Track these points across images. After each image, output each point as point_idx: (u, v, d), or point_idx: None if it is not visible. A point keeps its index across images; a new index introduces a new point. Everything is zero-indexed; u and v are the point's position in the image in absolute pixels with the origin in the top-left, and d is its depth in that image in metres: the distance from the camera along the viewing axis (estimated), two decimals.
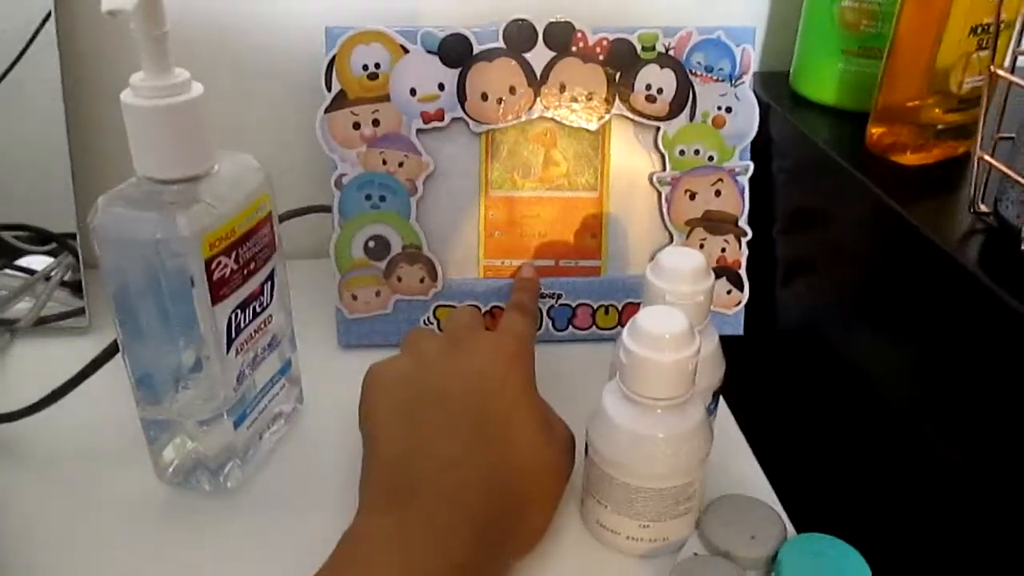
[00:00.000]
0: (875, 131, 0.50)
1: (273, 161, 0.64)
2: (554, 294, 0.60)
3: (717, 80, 0.58)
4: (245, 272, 0.44)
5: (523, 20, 0.56)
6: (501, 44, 0.56)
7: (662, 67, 0.57)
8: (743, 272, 0.60)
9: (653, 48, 0.57)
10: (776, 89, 0.61)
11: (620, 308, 0.60)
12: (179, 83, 0.39)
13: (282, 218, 0.57)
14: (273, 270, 0.46)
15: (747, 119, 0.58)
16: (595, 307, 0.60)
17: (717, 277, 0.59)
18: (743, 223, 0.59)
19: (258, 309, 0.46)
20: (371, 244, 0.58)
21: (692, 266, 0.44)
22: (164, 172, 0.40)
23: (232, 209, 0.42)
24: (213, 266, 0.41)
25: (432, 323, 0.59)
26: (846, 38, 0.54)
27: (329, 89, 0.56)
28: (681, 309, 0.41)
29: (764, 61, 0.67)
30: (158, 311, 0.42)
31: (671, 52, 0.57)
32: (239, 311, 0.44)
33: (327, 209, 0.58)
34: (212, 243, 0.41)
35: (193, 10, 0.61)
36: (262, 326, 0.46)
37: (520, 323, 0.50)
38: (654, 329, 0.39)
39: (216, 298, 0.42)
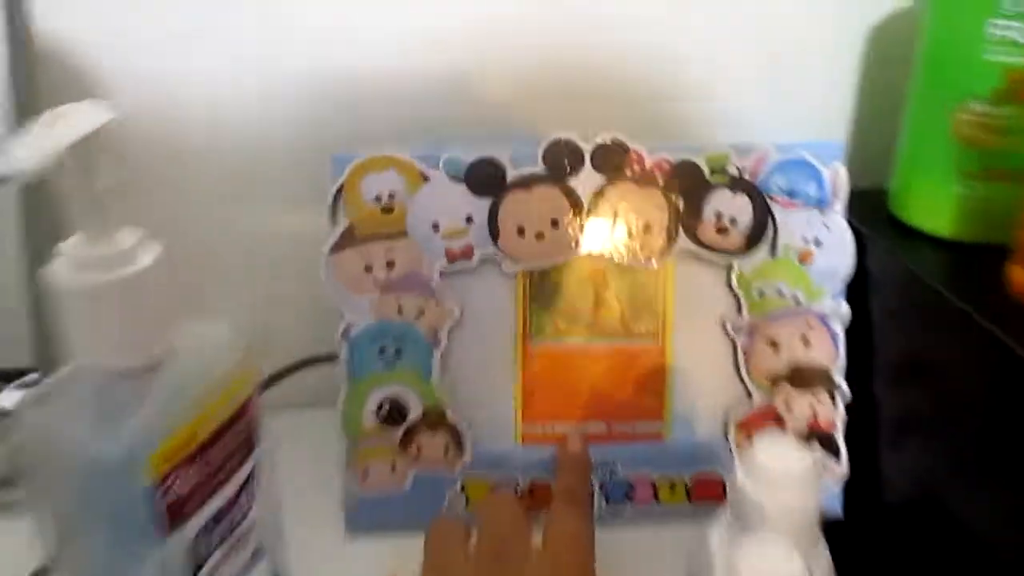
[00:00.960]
0: (1019, 275, 0.39)
1: (267, 305, 0.56)
2: (607, 467, 0.49)
3: (802, 207, 0.48)
4: (214, 482, 0.34)
5: (566, 139, 0.46)
6: (540, 169, 0.46)
7: (735, 192, 0.47)
8: (839, 437, 0.49)
9: (724, 170, 0.47)
10: (871, 214, 0.50)
11: (688, 482, 0.49)
12: (122, 252, 0.30)
13: (273, 378, 0.48)
14: (255, 468, 0.36)
15: (840, 253, 0.48)
16: (657, 480, 0.49)
17: (808, 442, 0.48)
18: (838, 377, 0.49)
19: (234, 523, 0.35)
20: (385, 408, 0.48)
21: (801, 468, 0.33)
22: (103, 360, 0.31)
23: (192, 407, 0.32)
24: (166, 484, 0.31)
25: (460, 500, 0.49)
26: (965, 157, 0.44)
27: (335, 224, 0.47)
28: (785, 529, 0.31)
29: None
30: (98, 545, 0.32)
31: (746, 175, 0.47)
32: (206, 533, 0.34)
33: (331, 359, 0.48)
34: (165, 456, 0.31)
35: (168, 122, 0.53)
36: (239, 542, 0.36)
37: (573, 524, 0.40)
38: None
39: (172, 525, 0.32)
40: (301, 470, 0.45)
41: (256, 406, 0.36)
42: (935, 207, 0.46)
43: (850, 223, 0.48)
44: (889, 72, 0.53)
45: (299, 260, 0.48)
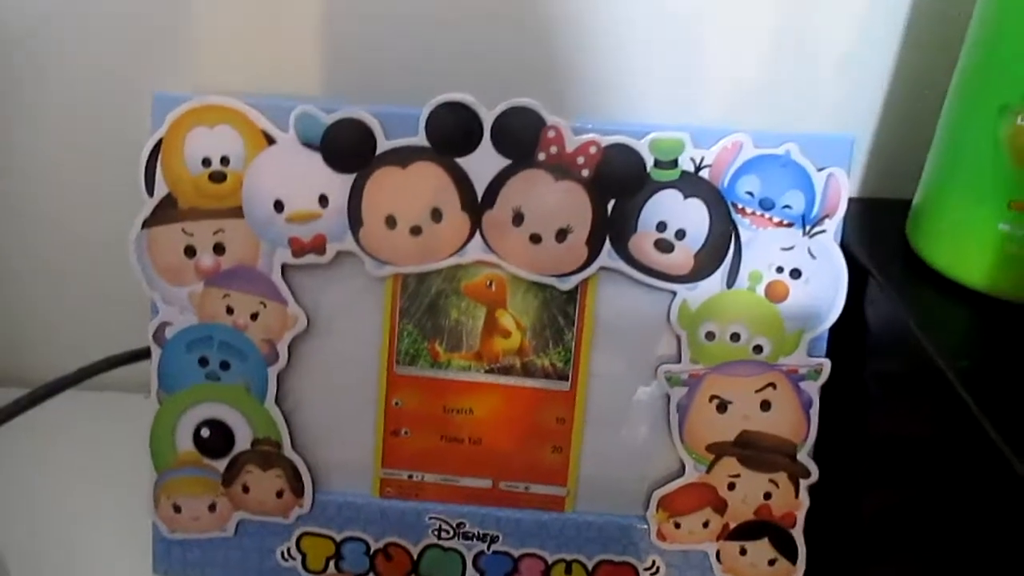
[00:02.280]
0: None
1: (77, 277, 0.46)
2: (487, 535, 0.38)
3: (780, 224, 0.34)
4: None
5: (459, 102, 0.34)
6: (422, 140, 0.34)
7: (687, 196, 0.34)
8: (798, 534, 0.37)
9: (675, 163, 0.34)
10: (880, 241, 0.37)
11: (590, 568, 0.38)
12: None
13: (80, 375, 0.37)
14: None
15: (827, 290, 0.35)
16: (551, 561, 0.38)
17: (756, 537, 0.36)
18: (805, 456, 0.36)
19: None
20: (205, 433, 0.37)
21: None
22: None
23: None
24: None
25: (294, 558, 0.38)
26: (1020, 182, 0.30)
27: (151, 192, 0.35)
28: None
29: (866, 184, 0.43)
30: None
31: (704, 171, 0.34)
32: None
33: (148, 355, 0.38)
34: None
35: None
36: None
37: None
38: None
39: None
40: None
41: None
42: (967, 246, 0.32)
43: (847, 251, 0.35)
44: (934, 51, 0.39)
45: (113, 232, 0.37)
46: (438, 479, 0.38)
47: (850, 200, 0.35)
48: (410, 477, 0.38)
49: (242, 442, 0.37)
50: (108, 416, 0.42)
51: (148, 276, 0.36)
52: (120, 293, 0.38)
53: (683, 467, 0.36)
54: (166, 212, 0.35)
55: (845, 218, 0.35)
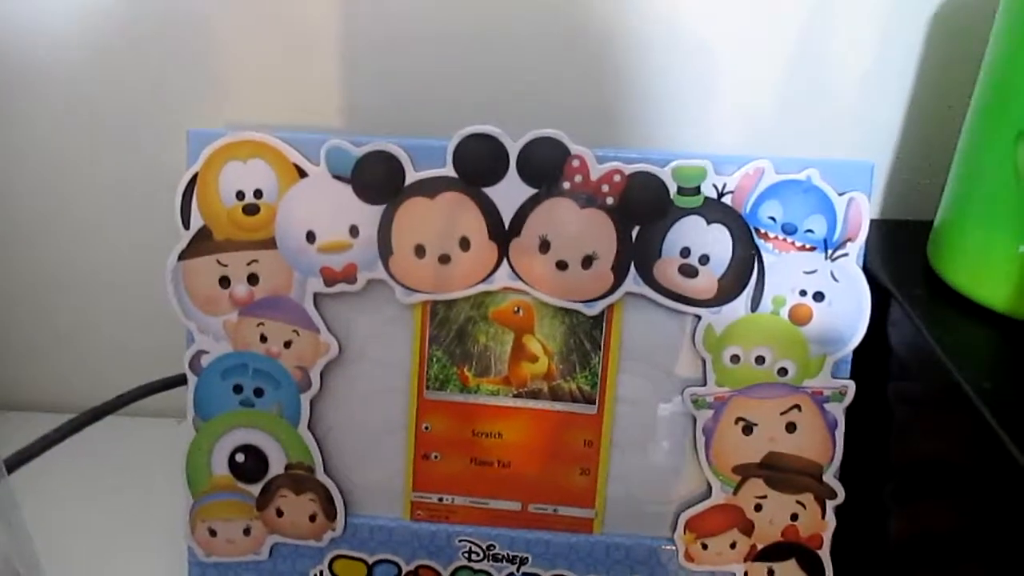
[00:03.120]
0: None
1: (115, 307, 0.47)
2: (516, 557, 0.38)
3: (802, 248, 0.35)
4: None
5: (486, 134, 0.35)
6: (450, 171, 0.35)
7: (710, 222, 0.35)
8: (826, 555, 0.37)
9: (697, 191, 0.35)
10: (902, 262, 0.37)
11: None
12: None
13: (118, 402, 0.38)
14: None
15: (850, 313, 0.35)
16: None
17: (783, 558, 0.36)
18: (831, 477, 0.36)
19: None
20: (240, 458, 0.38)
21: None
22: None
23: None
24: None
25: None
26: None
27: (187, 225, 0.36)
28: None
29: (887, 205, 0.43)
30: None
31: (726, 198, 0.35)
32: None
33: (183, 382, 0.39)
34: None
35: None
36: None
37: None
38: None
39: None
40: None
41: None
42: (987, 268, 0.33)
43: (870, 273, 0.35)
44: (955, 72, 0.39)
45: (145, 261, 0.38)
46: (468, 502, 0.38)
47: (872, 222, 0.35)
48: (440, 500, 0.38)
49: (276, 467, 0.38)
50: (144, 442, 0.43)
51: (184, 306, 0.37)
52: (156, 323, 0.39)
53: (710, 489, 0.37)
54: (202, 244, 0.36)
55: (867, 240, 0.35)
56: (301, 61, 0.43)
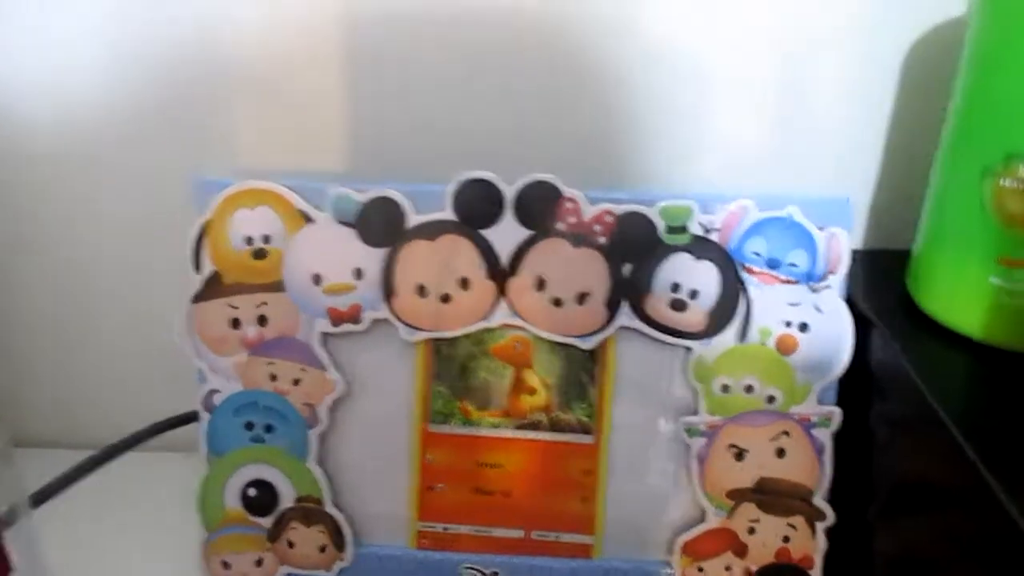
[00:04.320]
0: None
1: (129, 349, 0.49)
2: None
3: (786, 281, 0.37)
4: None
5: (482, 179, 0.36)
6: (449, 215, 0.37)
7: (698, 258, 0.37)
8: (817, 575, 0.38)
9: (684, 229, 0.36)
10: (883, 291, 0.39)
11: None
12: None
13: (133, 439, 0.40)
14: None
15: (834, 342, 0.37)
16: None
17: None
18: (820, 500, 0.38)
19: None
20: (251, 492, 0.39)
21: None
22: None
23: None
24: None
25: None
26: (1005, 239, 0.32)
27: (198, 269, 0.38)
28: None
29: (868, 235, 0.45)
30: None
31: (713, 235, 0.36)
32: None
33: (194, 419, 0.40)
34: None
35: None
36: None
37: None
38: None
39: None
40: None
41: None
42: (962, 298, 0.35)
43: (853, 303, 0.37)
44: (930, 108, 0.41)
45: (159, 304, 0.40)
46: (472, 530, 0.40)
47: (854, 252, 0.37)
48: (445, 529, 0.40)
49: (286, 500, 0.39)
50: (158, 477, 0.44)
51: (197, 347, 0.38)
52: (170, 362, 0.40)
53: (704, 513, 0.38)
54: (213, 288, 0.38)
55: (849, 271, 0.37)
56: (303, 115, 0.45)
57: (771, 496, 0.38)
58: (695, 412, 0.38)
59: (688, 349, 0.37)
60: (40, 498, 0.37)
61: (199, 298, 0.38)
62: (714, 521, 0.38)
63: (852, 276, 0.37)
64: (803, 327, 0.37)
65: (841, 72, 0.43)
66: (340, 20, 0.43)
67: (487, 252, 0.37)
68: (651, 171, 0.45)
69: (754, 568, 0.39)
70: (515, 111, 0.44)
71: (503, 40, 0.42)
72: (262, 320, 0.38)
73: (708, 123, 0.44)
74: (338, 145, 0.45)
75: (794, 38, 0.42)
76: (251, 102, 0.45)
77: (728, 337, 0.37)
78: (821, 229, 0.36)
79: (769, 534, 0.38)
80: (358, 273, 0.37)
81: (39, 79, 0.44)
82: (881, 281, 0.40)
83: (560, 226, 0.37)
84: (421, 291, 0.37)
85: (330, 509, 0.39)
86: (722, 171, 0.45)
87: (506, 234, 0.37)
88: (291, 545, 0.40)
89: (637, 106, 0.44)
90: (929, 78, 0.42)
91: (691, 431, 0.38)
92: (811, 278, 0.37)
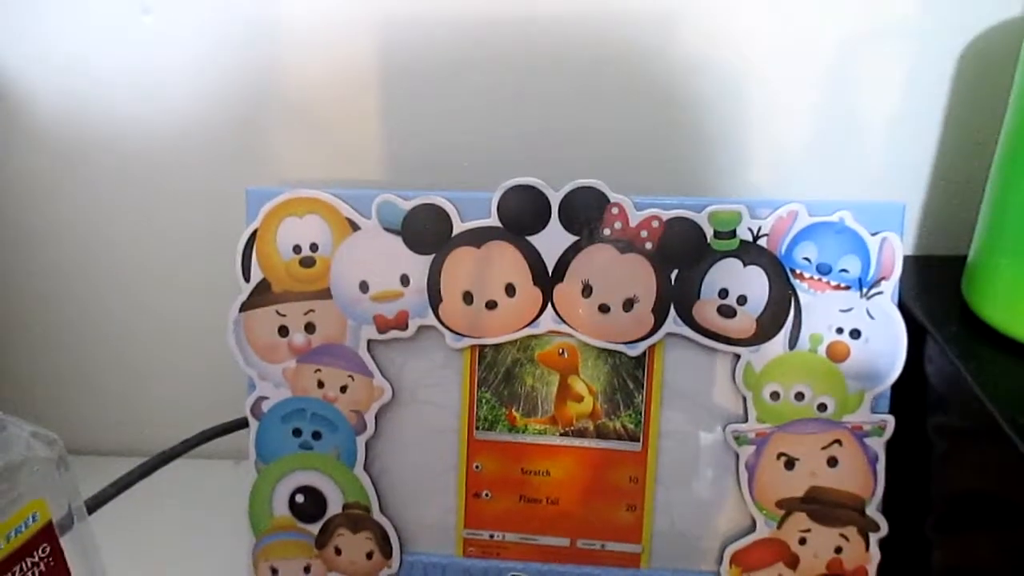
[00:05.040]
0: None
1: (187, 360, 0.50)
2: None
3: (838, 287, 0.36)
4: None
5: (528, 186, 0.36)
6: (495, 221, 0.37)
7: (747, 264, 0.36)
8: None
9: (733, 234, 0.36)
10: (937, 298, 0.38)
11: None
12: None
13: (184, 447, 0.40)
14: None
15: (887, 350, 0.36)
16: None
17: None
18: (873, 511, 0.37)
19: None
20: (299, 499, 0.40)
21: None
22: None
23: None
24: None
25: None
26: None
27: (247, 278, 0.38)
28: None
29: (920, 241, 0.44)
30: None
31: (762, 241, 0.36)
32: None
33: (244, 426, 0.40)
34: None
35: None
36: None
37: None
38: None
39: None
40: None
41: (58, 538, 0.28)
42: (1019, 304, 0.34)
43: (905, 309, 0.36)
44: (985, 110, 0.40)
45: (208, 313, 0.41)
46: (518, 538, 0.40)
47: (908, 258, 0.36)
48: (491, 537, 0.40)
49: (334, 507, 0.40)
50: (207, 484, 0.45)
51: (245, 355, 0.39)
52: (219, 370, 0.41)
53: (754, 523, 0.38)
54: (261, 296, 0.38)
55: (902, 277, 0.36)
56: (349, 123, 0.45)
57: (822, 506, 0.37)
58: (744, 420, 0.37)
59: (737, 356, 0.37)
60: (94, 504, 0.38)
61: (248, 306, 0.39)
62: (764, 531, 0.38)
63: (906, 282, 0.37)
64: (855, 334, 0.36)
65: (894, 74, 0.42)
66: (377, 43, 0.43)
67: (533, 258, 0.37)
68: (702, 179, 0.44)
69: None
70: (560, 117, 0.44)
71: (544, 51, 0.43)
72: (310, 327, 0.38)
73: (759, 128, 0.43)
74: (380, 161, 0.45)
75: (845, 37, 0.41)
76: (296, 126, 0.45)
77: (778, 344, 0.37)
78: (873, 234, 0.36)
79: (821, 545, 0.37)
80: (404, 280, 0.38)
81: (114, 95, 0.45)
82: (936, 287, 0.39)
83: (607, 232, 0.36)
84: (467, 298, 0.37)
85: (377, 516, 0.39)
86: (773, 177, 0.44)
87: (552, 240, 0.37)
88: (338, 552, 0.40)
89: (684, 113, 0.43)
90: (984, 80, 0.41)
91: (740, 439, 0.37)
92: (863, 284, 0.36)
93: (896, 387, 0.36)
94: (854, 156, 0.43)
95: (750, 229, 0.36)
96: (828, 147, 0.44)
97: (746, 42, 0.42)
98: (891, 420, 0.36)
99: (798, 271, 0.36)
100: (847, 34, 0.41)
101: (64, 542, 0.30)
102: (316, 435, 0.39)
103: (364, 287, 0.38)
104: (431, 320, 0.38)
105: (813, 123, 0.43)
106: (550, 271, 0.37)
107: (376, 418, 0.39)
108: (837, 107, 0.43)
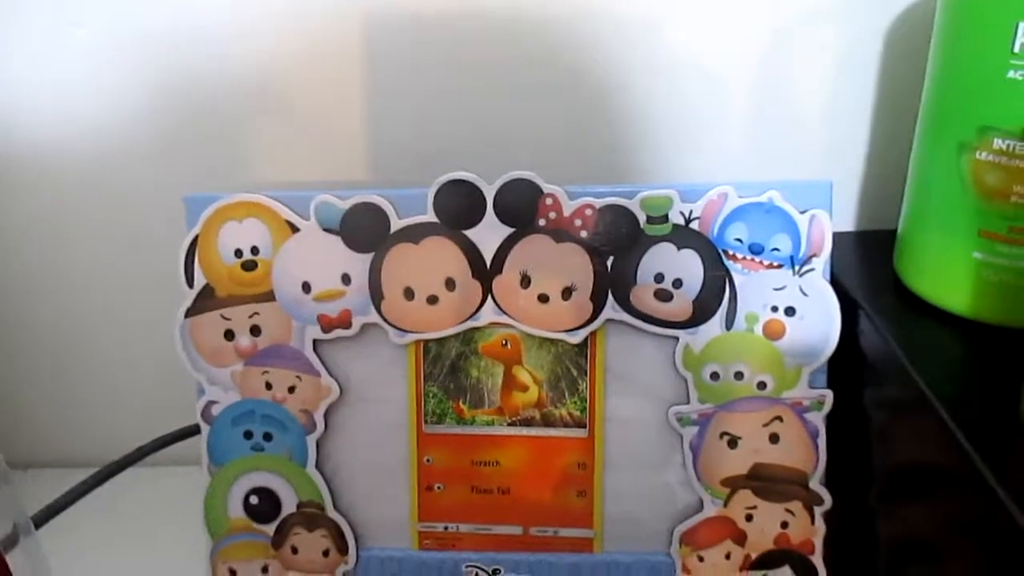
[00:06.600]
0: None
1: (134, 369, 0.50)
2: None
3: (770, 266, 0.37)
4: None
5: (462, 180, 0.37)
6: (431, 217, 0.37)
7: (680, 247, 0.37)
8: (819, 560, 0.38)
9: (666, 219, 0.36)
10: (869, 273, 0.39)
11: None
12: None
13: (137, 455, 0.41)
14: None
15: (821, 326, 0.37)
16: None
17: (778, 565, 0.38)
18: (816, 484, 0.38)
19: None
20: (254, 500, 0.40)
21: None
22: None
23: None
24: None
25: None
26: (987, 213, 0.32)
27: (191, 284, 0.39)
28: None
29: (859, 217, 0.45)
30: None
31: (694, 224, 0.36)
32: None
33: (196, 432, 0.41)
34: None
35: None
36: None
37: None
38: None
39: None
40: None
41: (3, 559, 0.29)
42: (947, 275, 0.34)
43: (838, 285, 0.37)
44: (910, 88, 0.41)
45: (158, 321, 0.41)
46: (472, 529, 0.40)
47: (841, 234, 0.37)
48: (446, 529, 0.40)
49: (288, 506, 0.40)
50: (163, 490, 0.45)
51: (193, 360, 0.39)
52: (167, 377, 0.41)
53: (701, 503, 0.38)
54: (205, 301, 0.39)
55: (835, 253, 0.37)
56: (316, 129, 0.45)
57: (767, 482, 0.38)
58: (687, 401, 0.38)
59: (676, 338, 0.37)
60: (45, 517, 0.38)
61: (193, 312, 0.39)
62: (711, 510, 0.38)
63: (842, 259, 0.37)
64: (790, 311, 0.37)
65: (819, 58, 0.43)
66: (351, 34, 0.43)
67: (471, 252, 0.37)
68: (640, 168, 0.45)
69: (754, 555, 0.38)
70: (489, 109, 0.44)
71: (476, 47, 0.43)
72: (255, 330, 0.39)
73: (694, 116, 0.44)
74: (353, 158, 0.46)
75: (768, 25, 0.42)
76: (266, 119, 0.46)
77: (715, 325, 0.37)
78: (802, 212, 0.36)
79: (767, 520, 0.38)
80: (346, 279, 0.38)
81: (49, 95, 0.45)
82: (870, 263, 0.40)
83: (542, 222, 0.37)
84: (408, 294, 0.38)
85: (332, 514, 0.40)
86: (711, 163, 0.45)
87: (489, 233, 0.37)
88: (295, 551, 0.40)
89: (620, 105, 0.44)
90: (909, 58, 0.41)
91: (683, 420, 0.38)
92: (795, 262, 0.36)
93: (833, 362, 0.37)
94: (790, 138, 0.44)
95: (682, 213, 0.36)
96: (765, 131, 0.44)
97: (679, 33, 0.43)
98: (829, 394, 0.37)
99: (731, 252, 0.37)
100: (780, 22, 0.42)
101: (11, 558, 0.30)
102: (267, 436, 0.39)
103: (307, 288, 0.38)
104: (374, 317, 0.38)
105: (749, 109, 0.44)
106: (488, 264, 0.37)
107: (325, 417, 0.39)
108: (772, 91, 0.44)
